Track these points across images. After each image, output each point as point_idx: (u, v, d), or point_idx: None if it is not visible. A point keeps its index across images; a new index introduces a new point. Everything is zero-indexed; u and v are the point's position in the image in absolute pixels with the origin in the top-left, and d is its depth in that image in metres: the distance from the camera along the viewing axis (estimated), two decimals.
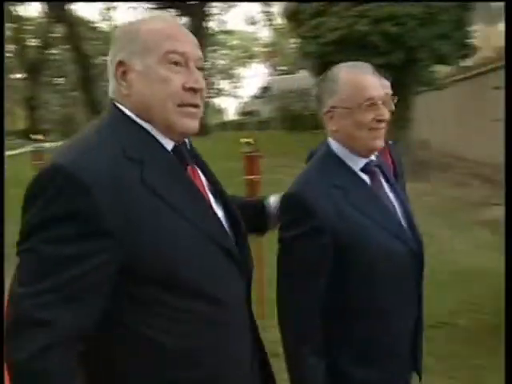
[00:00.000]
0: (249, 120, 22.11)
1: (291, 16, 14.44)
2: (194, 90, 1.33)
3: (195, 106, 1.35)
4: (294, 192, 1.77)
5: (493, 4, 16.80)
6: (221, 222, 1.39)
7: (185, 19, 22.57)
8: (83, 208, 1.16)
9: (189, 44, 1.36)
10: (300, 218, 1.73)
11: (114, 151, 1.24)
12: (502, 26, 16.90)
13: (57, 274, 1.15)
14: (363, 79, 1.79)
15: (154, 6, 23.98)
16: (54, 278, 1.15)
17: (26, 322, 1.13)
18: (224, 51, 53.18)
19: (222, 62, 54.54)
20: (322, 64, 13.14)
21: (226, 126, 39.19)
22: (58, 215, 1.16)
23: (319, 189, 1.74)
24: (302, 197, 1.73)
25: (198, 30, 22.05)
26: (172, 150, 1.36)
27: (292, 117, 19.24)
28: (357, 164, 1.83)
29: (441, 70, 13.25)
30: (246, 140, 5.03)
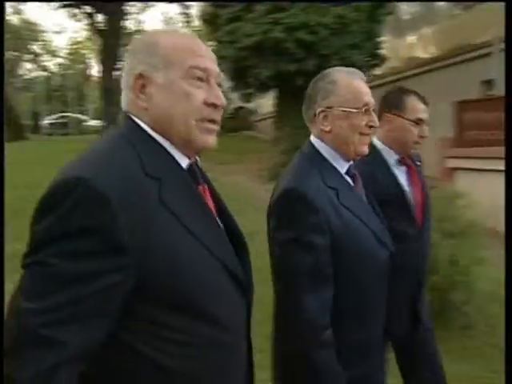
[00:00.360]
0: None
1: (208, 20, 14.52)
2: (214, 106, 1.33)
3: (214, 121, 1.35)
4: (291, 187, 1.73)
5: (402, 17, 17.56)
6: (229, 245, 1.37)
7: (101, 17, 21.98)
8: (101, 222, 1.12)
9: (210, 60, 1.37)
10: (300, 215, 1.69)
11: (131, 165, 1.21)
12: (409, 38, 17.71)
13: (67, 290, 1.10)
14: (360, 85, 1.82)
15: (68, 1, 23.19)
16: (65, 295, 1.10)
17: (32, 339, 1.07)
18: None
19: None
20: (238, 68, 13.31)
21: None
22: (75, 229, 1.11)
23: (315, 185, 1.72)
24: (302, 192, 1.69)
25: (115, 29, 21.52)
26: (186, 168, 1.35)
27: None
28: (342, 167, 1.82)
29: None
30: None
